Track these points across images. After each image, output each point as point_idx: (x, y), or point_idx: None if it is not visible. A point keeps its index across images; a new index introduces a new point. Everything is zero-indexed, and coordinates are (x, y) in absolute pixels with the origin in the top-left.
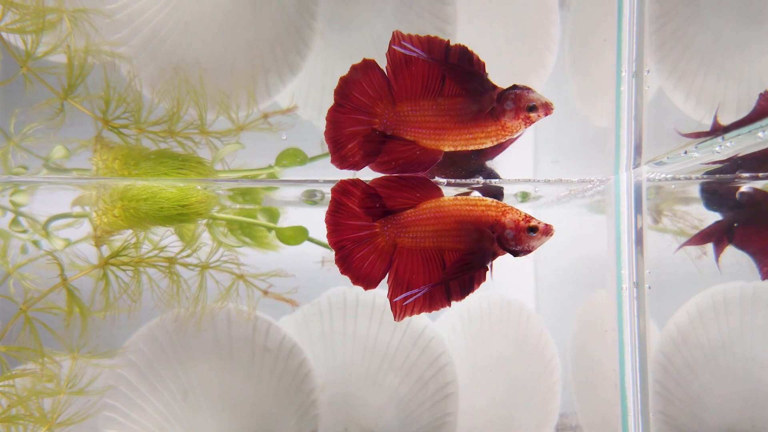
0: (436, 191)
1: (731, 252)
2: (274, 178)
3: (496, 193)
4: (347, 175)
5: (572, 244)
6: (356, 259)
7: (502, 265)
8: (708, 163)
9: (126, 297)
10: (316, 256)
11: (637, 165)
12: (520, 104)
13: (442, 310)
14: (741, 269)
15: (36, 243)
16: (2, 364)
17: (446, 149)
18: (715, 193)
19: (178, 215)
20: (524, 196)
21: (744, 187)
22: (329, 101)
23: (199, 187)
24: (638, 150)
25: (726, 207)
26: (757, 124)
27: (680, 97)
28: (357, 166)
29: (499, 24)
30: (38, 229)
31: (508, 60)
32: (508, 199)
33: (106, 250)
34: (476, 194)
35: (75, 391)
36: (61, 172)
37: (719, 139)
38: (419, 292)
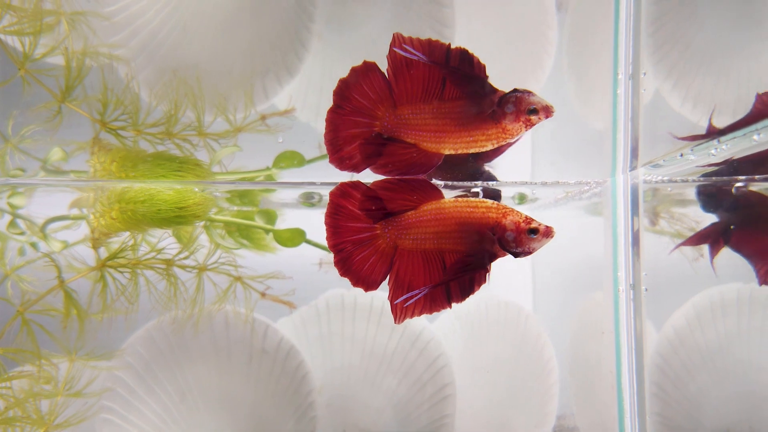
0: (436, 193)
1: (728, 254)
2: (272, 180)
3: (494, 196)
4: (345, 177)
5: (569, 246)
6: (356, 261)
7: (500, 267)
8: (704, 166)
9: (123, 299)
10: (313, 258)
11: (633, 167)
12: (521, 107)
13: (440, 311)
14: (738, 271)
15: (34, 245)
16: (0, 366)
17: (447, 152)
18: (712, 195)
19: (176, 217)
20: (522, 198)
21: (739, 184)
22: (327, 103)
23: (196, 190)
24: (635, 152)
25: (723, 209)
26: (752, 127)
27: (677, 100)
28: (357, 168)
29: (497, 26)
30: (36, 231)
31: (506, 62)
32: (506, 201)
33: (103, 252)
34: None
35: (72, 393)
36: (59, 174)
37: (715, 141)
38: (420, 293)
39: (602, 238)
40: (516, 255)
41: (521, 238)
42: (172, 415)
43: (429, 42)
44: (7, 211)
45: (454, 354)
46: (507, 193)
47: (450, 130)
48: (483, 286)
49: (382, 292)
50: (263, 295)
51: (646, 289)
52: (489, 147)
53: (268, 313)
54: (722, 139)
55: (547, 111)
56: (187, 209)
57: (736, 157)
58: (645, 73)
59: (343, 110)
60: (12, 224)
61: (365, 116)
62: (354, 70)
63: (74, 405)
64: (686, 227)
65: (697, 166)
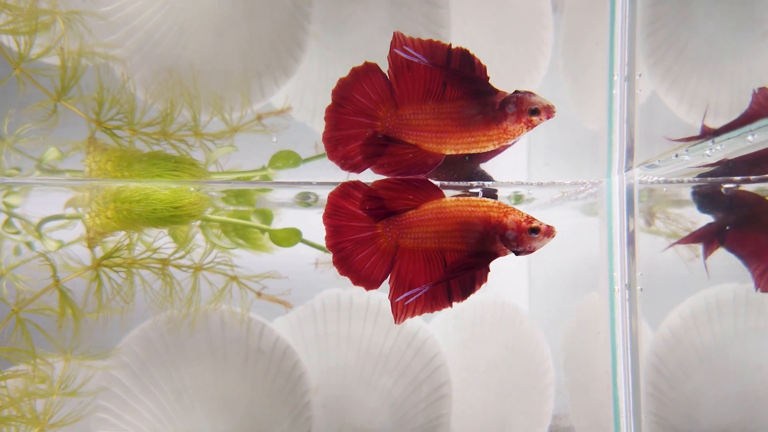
0: (437, 192)
1: (724, 255)
2: (268, 180)
3: (491, 196)
4: (341, 177)
5: (565, 247)
6: (357, 260)
7: (496, 267)
8: (699, 167)
9: (119, 298)
10: (309, 258)
11: (629, 168)
12: (522, 107)
13: (441, 310)
14: (734, 271)
15: (29, 244)
16: None
17: (448, 152)
18: (707, 195)
19: (171, 217)
20: (518, 199)
21: (728, 185)
22: (323, 103)
23: (192, 189)
24: (630, 153)
25: (718, 210)
26: (747, 128)
27: (673, 101)
28: (358, 168)
29: (493, 27)
30: (31, 230)
31: (502, 63)
32: (502, 201)
33: (99, 252)
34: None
35: (68, 392)
36: (54, 174)
37: (709, 142)
38: (420, 291)
39: (598, 238)
40: (517, 253)
41: (522, 238)
42: (168, 415)
43: (430, 43)
44: (3, 210)
45: (450, 354)
46: (503, 194)
47: (451, 130)
48: (483, 286)
49: (378, 292)
50: (259, 294)
51: (642, 289)
52: (490, 147)
53: (264, 313)
54: (717, 139)
55: (549, 111)
56: (183, 209)
57: (730, 158)
58: (640, 75)
59: (344, 109)
60: (7, 223)
61: (367, 116)
62: (355, 71)
63: (69, 404)
64: (682, 228)
65: (692, 167)
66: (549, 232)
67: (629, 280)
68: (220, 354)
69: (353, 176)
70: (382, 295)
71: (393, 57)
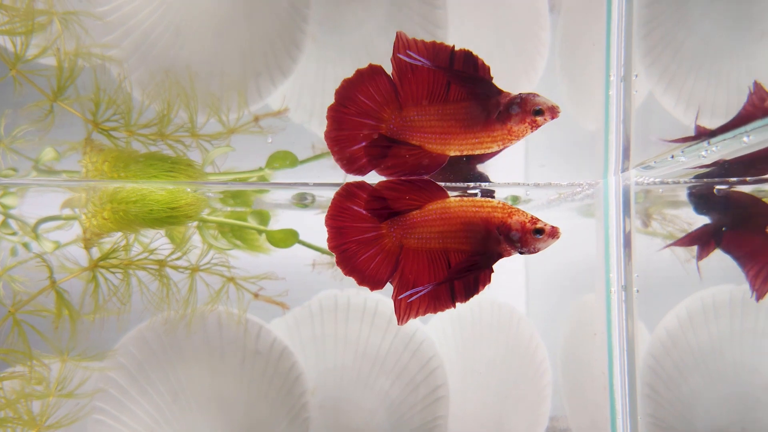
0: (441, 193)
1: (720, 256)
2: (265, 181)
3: (489, 197)
4: (339, 177)
5: (563, 248)
6: (362, 261)
7: (494, 268)
8: (695, 168)
9: (115, 300)
10: (306, 259)
11: (625, 169)
12: (527, 108)
13: (444, 311)
14: (730, 273)
15: (26, 245)
16: None
17: (452, 154)
18: (704, 196)
19: (168, 218)
20: (515, 200)
21: (720, 186)
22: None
23: (189, 190)
24: (626, 154)
25: (715, 211)
26: (742, 129)
27: (670, 101)
28: (363, 171)
29: (490, 28)
30: (28, 231)
31: (499, 63)
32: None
33: (96, 253)
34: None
35: (64, 393)
36: (51, 175)
37: (705, 143)
38: (424, 289)
39: (595, 239)
40: (521, 253)
41: (526, 238)
42: (165, 416)
43: (433, 45)
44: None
45: (448, 355)
46: (500, 195)
47: (455, 131)
48: (487, 286)
49: (376, 293)
50: (256, 295)
51: (638, 291)
52: (495, 148)
53: (261, 314)
54: (712, 141)
55: (553, 112)
56: (179, 209)
57: (727, 159)
58: (636, 75)
59: (347, 110)
60: (4, 224)
61: (371, 118)
62: (360, 72)
63: (66, 406)
64: (678, 229)
65: (688, 168)
66: (554, 233)
67: (625, 282)
68: (218, 355)
69: (350, 177)
70: (379, 296)
71: (397, 59)
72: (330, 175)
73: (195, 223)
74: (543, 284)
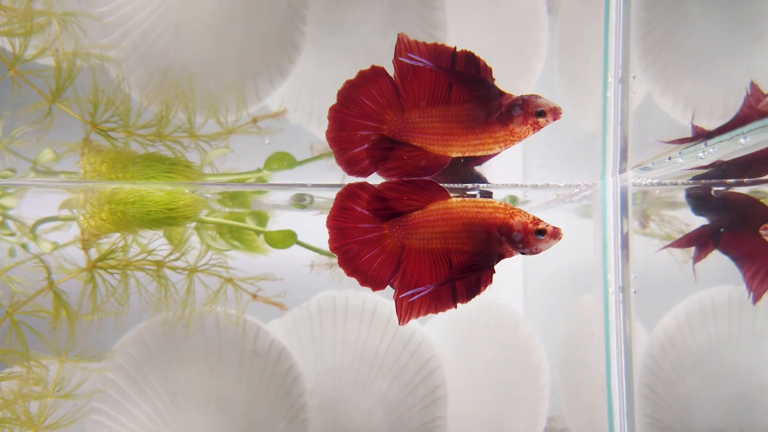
0: (442, 193)
1: (718, 257)
2: (263, 182)
3: (485, 198)
4: (337, 179)
5: (561, 249)
6: (364, 261)
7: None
8: (693, 169)
9: (114, 300)
10: (305, 260)
11: (623, 170)
12: (529, 109)
13: (445, 311)
14: (728, 274)
15: (24, 246)
16: None
17: (454, 155)
18: (701, 198)
19: (166, 219)
20: (513, 201)
21: (718, 188)
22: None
23: (187, 191)
24: (624, 155)
25: (713, 212)
26: (739, 130)
27: (668, 102)
28: (365, 173)
29: (488, 29)
30: (26, 232)
31: (497, 64)
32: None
33: (94, 253)
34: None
35: (62, 394)
36: (49, 175)
37: (702, 145)
38: (425, 289)
39: (592, 240)
40: (523, 253)
41: (528, 239)
42: (163, 417)
43: (434, 46)
44: None
45: (446, 356)
46: (498, 196)
47: (457, 133)
48: (489, 287)
49: (374, 293)
50: (254, 296)
51: (635, 292)
52: (497, 150)
53: (259, 315)
54: (709, 142)
55: (555, 113)
56: (177, 210)
57: (724, 160)
58: (634, 77)
59: (349, 111)
60: (2, 225)
61: (373, 120)
62: (362, 74)
63: (64, 406)
64: (676, 230)
65: (685, 169)
66: (555, 233)
67: (623, 283)
68: (216, 356)
69: (348, 179)
70: (377, 297)
71: (398, 61)
72: (328, 176)
73: (193, 224)
74: (541, 285)
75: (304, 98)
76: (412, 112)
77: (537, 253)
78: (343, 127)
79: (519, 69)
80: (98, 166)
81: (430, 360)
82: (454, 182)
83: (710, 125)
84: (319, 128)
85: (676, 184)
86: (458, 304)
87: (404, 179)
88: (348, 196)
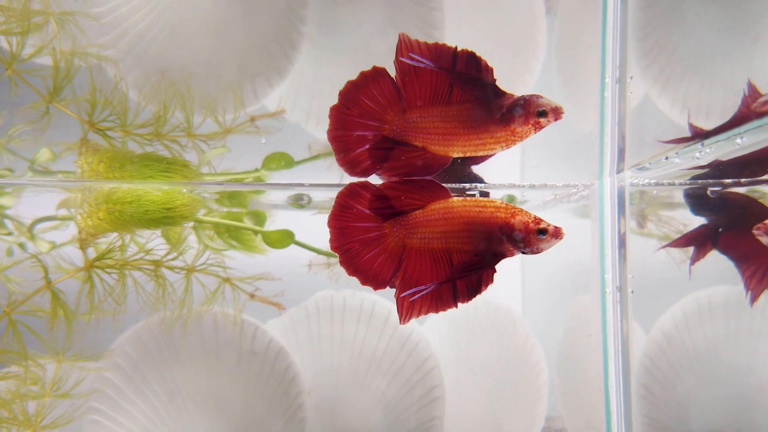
0: (444, 192)
1: (716, 257)
2: (261, 182)
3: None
4: (335, 178)
5: (559, 249)
6: (365, 261)
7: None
8: (690, 169)
9: (111, 300)
10: (302, 260)
11: (620, 170)
12: (530, 109)
13: (446, 311)
14: (726, 274)
15: (21, 245)
16: None
17: (455, 155)
18: (701, 197)
19: (164, 218)
20: (511, 200)
21: (714, 188)
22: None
23: (184, 190)
24: (621, 155)
25: (711, 212)
26: (735, 131)
27: (666, 103)
28: (367, 173)
29: (487, 29)
30: (23, 231)
31: (496, 65)
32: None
33: (91, 253)
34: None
35: (60, 394)
36: (47, 175)
37: (699, 145)
38: (426, 288)
39: (590, 240)
40: (524, 253)
41: (530, 239)
42: (161, 416)
43: (435, 46)
44: None
45: (444, 356)
46: (495, 196)
47: (459, 133)
48: (489, 286)
49: (372, 293)
50: (252, 296)
51: (633, 292)
52: (498, 150)
53: (257, 315)
54: (706, 142)
55: (557, 113)
56: (175, 210)
57: (722, 160)
58: (632, 77)
59: (350, 111)
60: (0, 225)
61: (375, 120)
62: (364, 75)
63: (62, 406)
64: (674, 230)
65: (682, 170)
66: (557, 233)
67: (620, 283)
68: (213, 356)
69: (347, 178)
70: (375, 297)
71: (399, 61)
72: (326, 176)
73: (191, 224)
74: (539, 285)
75: (302, 98)
76: (413, 111)
77: (538, 252)
78: (344, 127)
79: (517, 70)
80: (96, 166)
81: (428, 360)
82: (450, 182)
83: (708, 126)
84: (317, 128)
85: (674, 184)
86: (459, 304)
87: (405, 179)
88: (349, 195)
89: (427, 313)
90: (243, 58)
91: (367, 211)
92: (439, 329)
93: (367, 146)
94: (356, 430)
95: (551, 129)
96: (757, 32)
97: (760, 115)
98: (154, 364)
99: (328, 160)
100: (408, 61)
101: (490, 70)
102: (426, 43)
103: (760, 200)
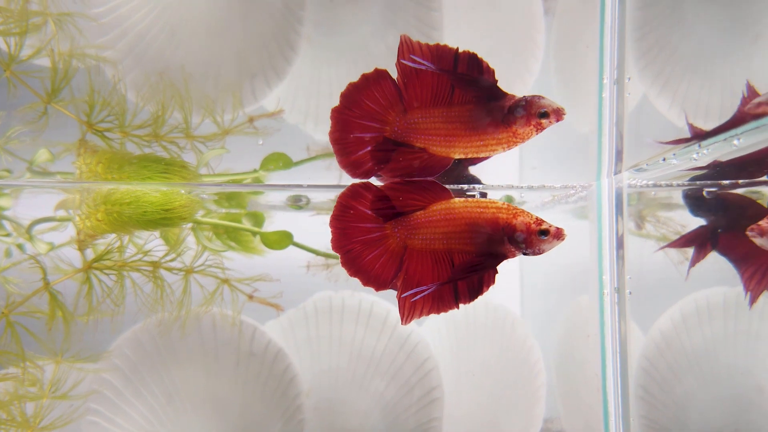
0: (445, 193)
1: (714, 258)
2: (259, 183)
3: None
4: (333, 179)
5: (558, 250)
6: (367, 261)
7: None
8: (687, 170)
9: (109, 301)
10: (301, 261)
11: (618, 171)
12: (532, 111)
13: (447, 312)
14: (724, 275)
15: (20, 246)
16: None
17: (457, 156)
18: (699, 198)
19: (162, 219)
20: (509, 201)
21: (711, 189)
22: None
23: (183, 192)
24: (619, 156)
25: (710, 212)
26: (732, 132)
27: (665, 104)
28: (368, 175)
29: (485, 30)
30: (22, 232)
31: (494, 65)
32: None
33: (90, 254)
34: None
35: (58, 395)
36: (45, 176)
37: (696, 146)
38: (428, 289)
39: (588, 241)
40: (525, 254)
41: (531, 240)
42: (159, 418)
43: (437, 47)
44: None
45: (442, 357)
46: (494, 197)
47: (460, 134)
48: (491, 287)
49: (371, 294)
50: (251, 297)
51: (631, 293)
52: (500, 151)
53: (255, 316)
54: (703, 143)
55: (558, 114)
56: (173, 211)
57: (721, 161)
58: (630, 78)
59: (352, 113)
60: None
61: (376, 121)
62: (365, 77)
63: (60, 407)
64: (672, 231)
65: (680, 171)
66: (558, 234)
67: (618, 284)
68: (212, 357)
69: (345, 179)
70: (374, 298)
71: (401, 63)
72: (324, 177)
73: (189, 225)
74: (537, 286)
75: (300, 99)
76: (415, 113)
77: (540, 253)
78: (346, 128)
79: (516, 70)
80: (94, 167)
81: (427, 361)
82: (448, 183)
83: (706, 127)
84: (315, 129)
85: (672, 185)
86: (460, 305)
87: (407, 179)
88: (351, 195)
89: (428, 313)
90: (241, 58)
91: (369, 212)
92: (438, 330)
93: (369, 148)
94: None
95: (549, 130)
96: (757, 32)
97: (755, 116)
98: (153, 366)
99: (326, 161)
100: (409, 64)
101: (491, 72)
102: (427, 45)
103: (758, 201)
